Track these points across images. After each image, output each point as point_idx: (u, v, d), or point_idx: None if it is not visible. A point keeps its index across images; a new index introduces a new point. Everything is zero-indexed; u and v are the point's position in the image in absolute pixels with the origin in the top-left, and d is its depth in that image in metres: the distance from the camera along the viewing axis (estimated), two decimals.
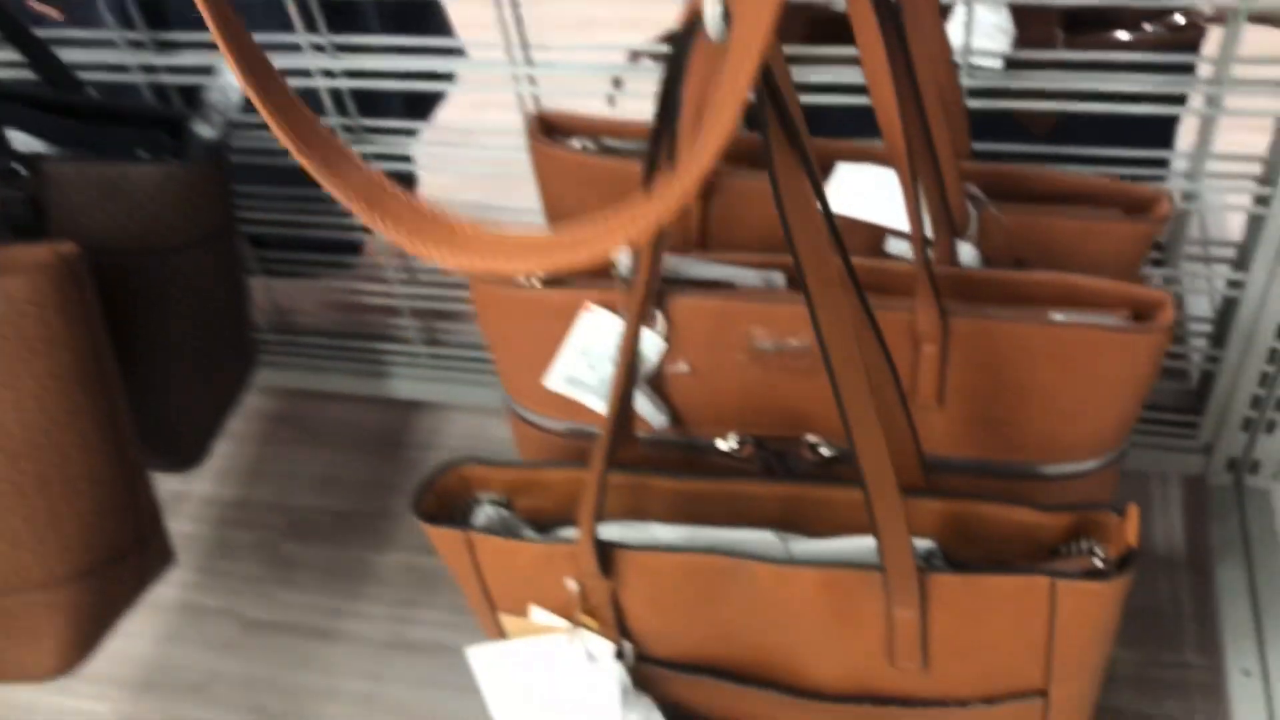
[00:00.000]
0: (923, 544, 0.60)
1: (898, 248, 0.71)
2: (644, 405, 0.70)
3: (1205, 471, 0.99)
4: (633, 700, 0.67)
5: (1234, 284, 0.85)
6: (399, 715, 1.08)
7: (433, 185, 1.27)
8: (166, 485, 1.32)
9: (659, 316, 0.68)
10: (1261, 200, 0.81)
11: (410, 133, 0.99)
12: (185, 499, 1.31)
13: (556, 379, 0.72)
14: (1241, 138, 0.90)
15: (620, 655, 0.66)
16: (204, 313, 0.86)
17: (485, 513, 0.68)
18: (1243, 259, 0.84)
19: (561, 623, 0.66)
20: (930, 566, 0.57)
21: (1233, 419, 0.94)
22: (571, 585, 0.64)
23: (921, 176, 0.63)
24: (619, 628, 0.65)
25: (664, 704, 0.70)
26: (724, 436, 0.72)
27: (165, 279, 0.81)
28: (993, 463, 0.68)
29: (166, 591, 1.22)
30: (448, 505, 0.68)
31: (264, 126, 0.85)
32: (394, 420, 1.35)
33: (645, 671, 0.68)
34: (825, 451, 0.69)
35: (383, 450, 1.32)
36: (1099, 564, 0.57)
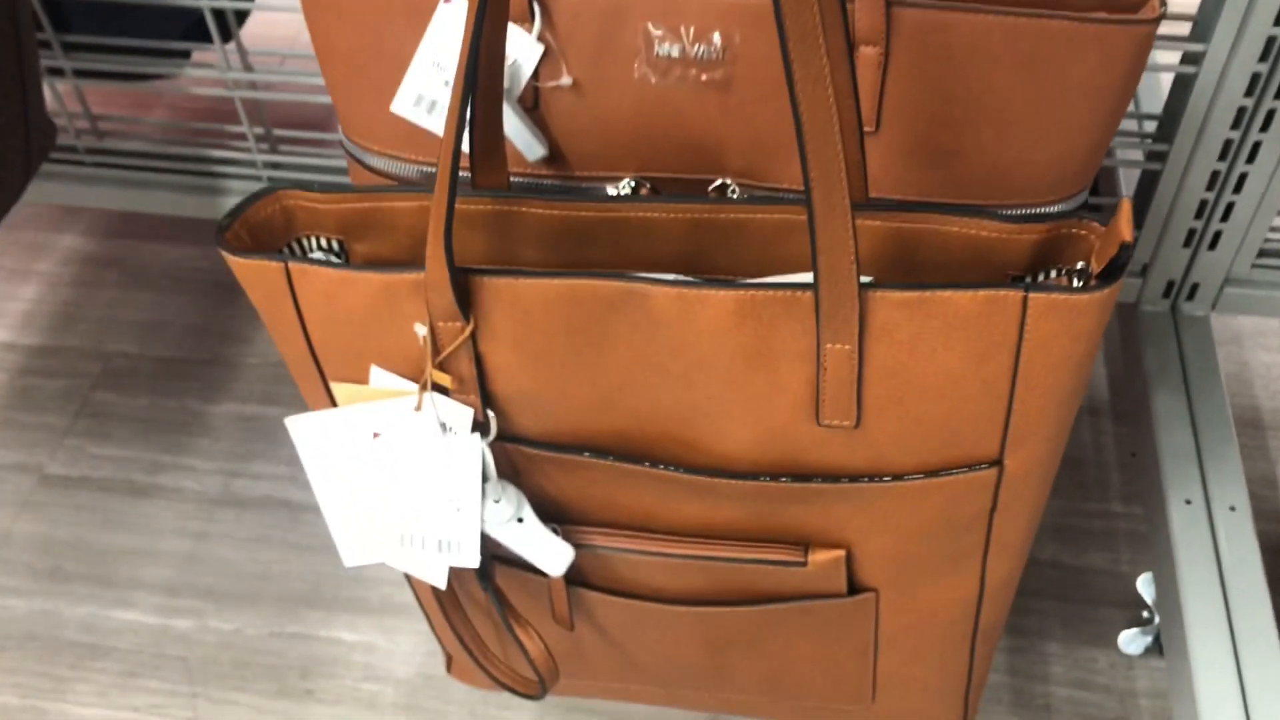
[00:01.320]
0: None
1: None
2: (514, 129, 0.57)
3: (1139, 297, 0.91)
4: (495, 487, 0.55)
5: (1188, 59, 0.76)
6: (224, 576, 0.94)
7: None
8: None
9: (535, 10, 0.55)
10: None
11: None
12: None
13: (404, 101, 0.58)
14: None
15: (482, 428, 0.54)
16: None
17: (313, 260, 0.54)
18: (1201, 29, 0.75)
19: (408, 386, 0.54)
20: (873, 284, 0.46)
21: (1174, 232, 0.85)
22: (420, 331, 0.51)
23: None
24: (481, 391, 0.53)
25: (531, 501, 0.58)
26: (615, 180, 0.59)
27: None
28: (934, 207, 0.57)
29: None
30: (263, 247, 0.54)
31: None
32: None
33: (510, 454, 0.56)
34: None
35: (216, 294, 1.16)
36: (1077, 279, 0.47)
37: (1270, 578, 0.76)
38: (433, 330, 0.51)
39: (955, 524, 0.56)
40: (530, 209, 0.53)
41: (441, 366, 0.52)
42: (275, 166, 0.97)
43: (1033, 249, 0.48)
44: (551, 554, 0.56)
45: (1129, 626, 0.88)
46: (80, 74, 0.94)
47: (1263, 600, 0.76)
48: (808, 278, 0.47)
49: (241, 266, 0.52)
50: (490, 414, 0.54)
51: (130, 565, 0.94)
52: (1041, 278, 0.49)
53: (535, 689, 0.63)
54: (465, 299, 0.50)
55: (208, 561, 0.94)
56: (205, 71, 0.92)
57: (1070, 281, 0.48)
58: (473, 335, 0.51)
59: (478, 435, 0.53)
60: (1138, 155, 0.85)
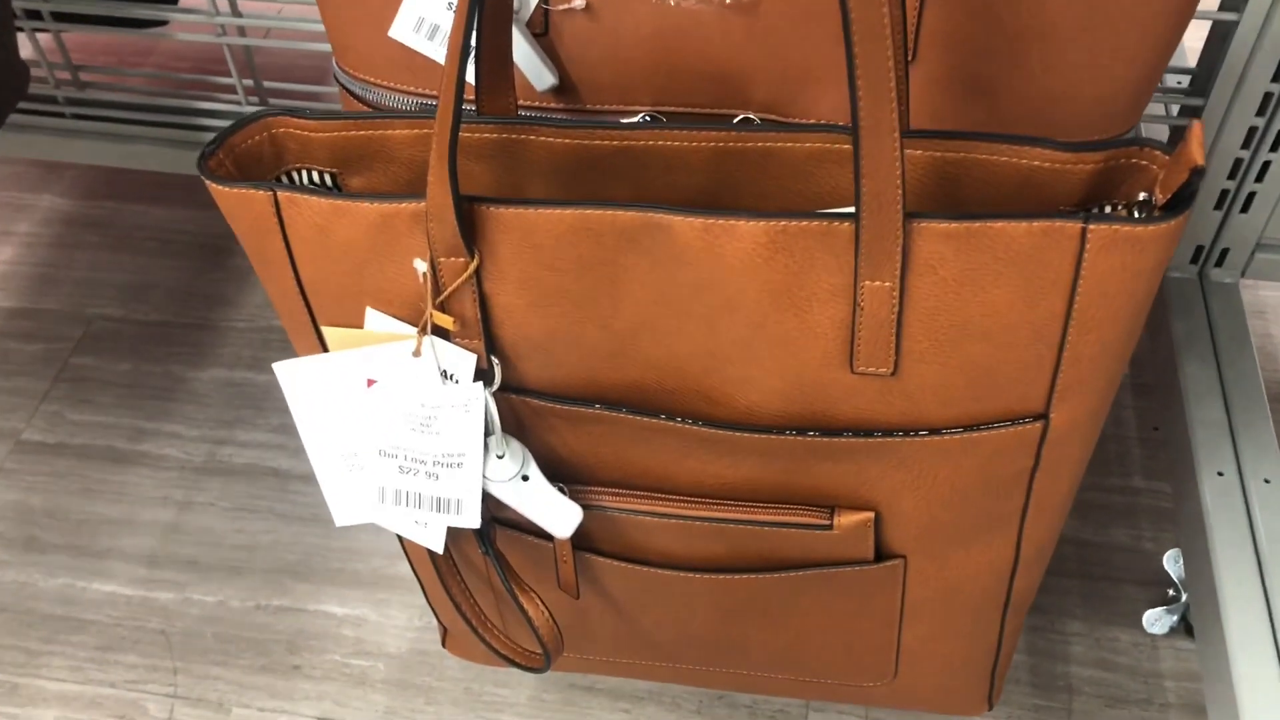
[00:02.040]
0: None
1: None
2: (522, 56, 0.53)
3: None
4: (499, 442, 0.51)
5: (1228, 4, 0.72)
6: (208, 546, 0.90)
7: None
8: None
9: None
10: None
11: None
12: None
13: (404, 26, 0.54)
14: None
15: (485, 377, 0.50)
16: None
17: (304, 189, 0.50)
18: None
19: (406, 330, 0.50)
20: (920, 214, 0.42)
21: (1206, 193, 0.82)
22: (420, 267, 0.47)
23: None
24: (486, 335, 0.49)
25: (537, 458, 0.54)
26: (630, 114, 0.55)
27: None
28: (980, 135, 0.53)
29: None
30: (250, 179, 0.50)
31: None
32: (218, 223, 1.15)
33: (515, 406, 0.52)
34: None
35: (202, 256, 1.12)
36: (1137, 213, 0.43)
37: None
38: (433, 266, 0.47)
39: (994, 484, 0.52)
40: (539, 137, 0.49)
41: (443, 307, 0.48)
42: None
43: (1088, 180, 0.45)
44: (559, 515, 0.52)
45: (1153, 605, 0.84)
46: (58, 17, 0.89)
47: None
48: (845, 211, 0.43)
49: (225, 195, 0.48)
50: (495, 361, 0.50)
51: (109, 535, 0.90)
52: (1099, 209, 0.45)
53: (538, 661, 0.59)
54: (470, 231, 0.46)
55: (191, 531, 0.90)
56: (192, 18, 0.87)
57: (1130, 215, 0.44)
58: (477, 272, 0.47)
59: (481, 384, 0.49)
60: (1167, 111, 0.82)
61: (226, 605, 0.86)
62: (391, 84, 0.57)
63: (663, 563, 0.59)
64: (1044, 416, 0.48)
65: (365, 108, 0.59)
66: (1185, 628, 0.82)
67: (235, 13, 0.86)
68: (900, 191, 0.40)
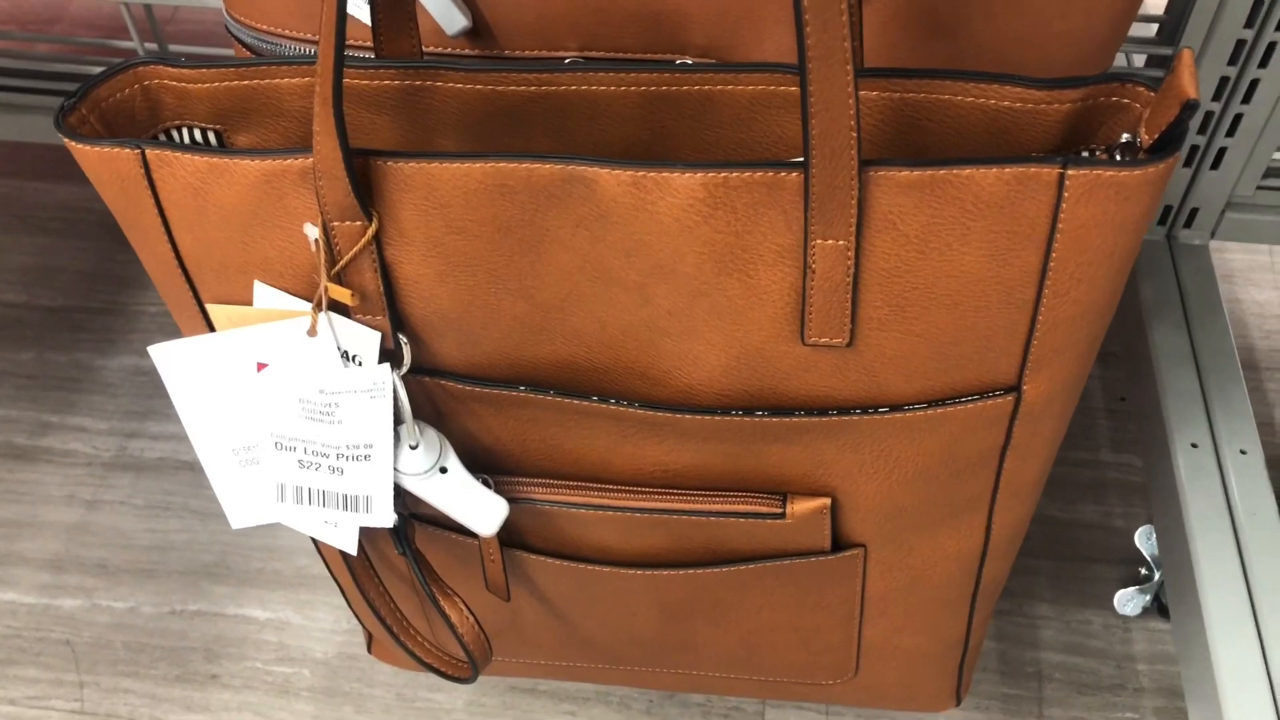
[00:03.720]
0: None
1: None
2: None
3: None
4: (412, 431, 0.46)
5: None
6: (118, 548, 0.84)
7: None
8: None
9: None
10: None
11: None
12: None
13: None
14: None
15: (393, 358, 0.44)
16: None
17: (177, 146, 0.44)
18: None
19: (300, 306, 0.44)
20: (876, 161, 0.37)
21: None
22: (311, 233, 0.41)
23: None
24: (390, 310, 0.43)
25: (457, 448, 0.49)
26: (554, 58, 0.50)
27: None
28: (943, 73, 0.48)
29: None
30: (121, 136, 0.44)
31: None
32: None
33: (431, 390, 0.47)
34: None
35: (111, 236, 1.05)
36: (1120, 154, 0.39)
37: None
38: (326, 232, 0.41)
39: (961, 464, 0.47)
40: (446, 83, 0.43)
41: (339, 279, 0.43)
42: None
43: (1064, 122, 0.40)
44: (482, 510, 0.47)
45: (1124, 585, 0.80)
46: None
47: None
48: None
49: (87, 155, 0.42)
50: (403, 340, 0.44)
51: (8, 538, 0.84)
52: (1076, 152, 0.41)
53: (465, 670, 0.54)
54: (366, 190, 0.40)
55: (99, 532, 0.84)
56: None
57: (1111, 159, 0.39)
58: (377, 238, 0.41)
59: (388, 366, 0.44)
60: (1137, 62, 0.77)
61: (138, 611, 0.80)
62: (288, 32, 0.51)
63: (600, 558, 0.54)
64: (1016, 389, 0.44)
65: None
66: (1158, 608, 0.79)
67: None
68: (855, 134, 0.35)
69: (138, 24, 0.83)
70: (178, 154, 0.41)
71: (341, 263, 0.42)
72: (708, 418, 0.45)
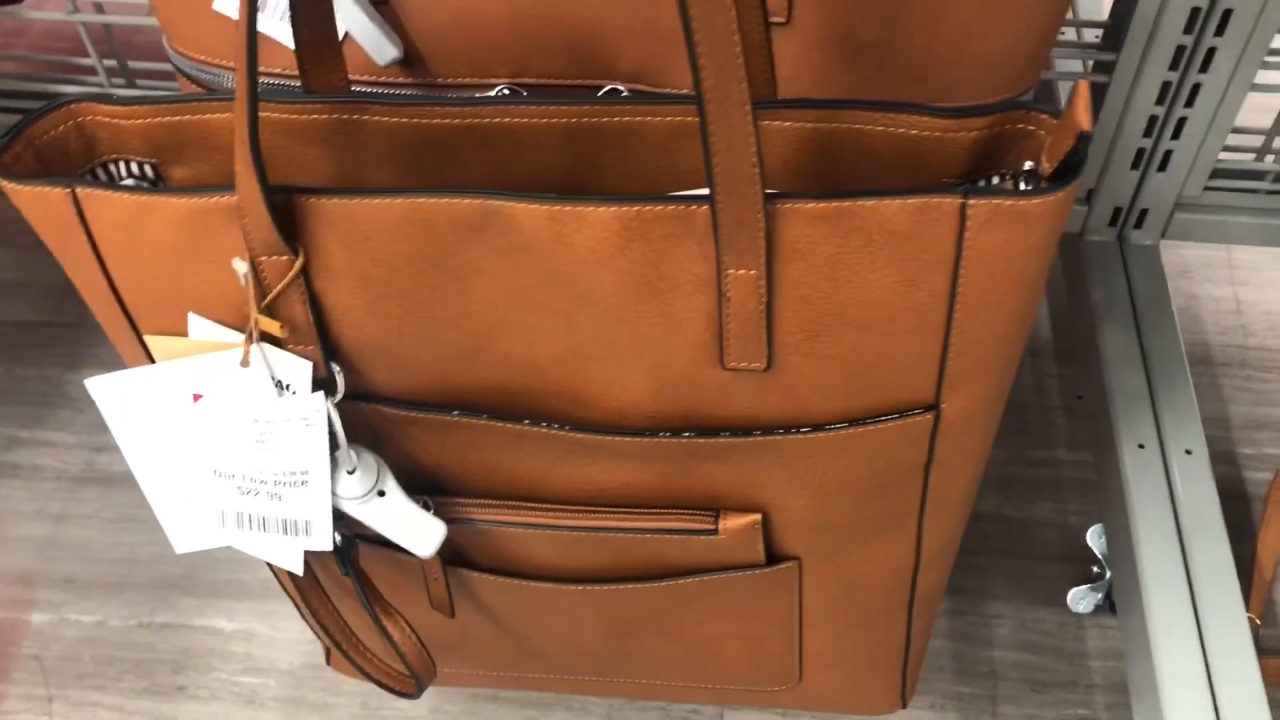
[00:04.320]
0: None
1: None
2: (359, 25, 0.48)
3: (1084, 226, 0.84)
4: (349, 456, 0.47)
5: None
6: (86, 562, 0.85)
7: None
8: None
9: None
10: None
11: None
12: None
13: None
14: None
15: (326, 386, 0.45)
16: None
17: (106, 185, 0.45)
18: None
19: (234, 337, 0.45)
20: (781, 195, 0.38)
21: (1122, 152, 0.79)
22: (240, 268, 0.42)
23: None
24: (321, 340, 0.44)
25: (397, 471, 0.50)
26: (485, 88, 0.51)
27: None
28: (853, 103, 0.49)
29: None
30: (58, 174, 0.45)
31: None
32: None
33: (367, 416, 0.48)
34: None
35: None
36: (1024, 184, 0.40)
37: (1229, 525, 0.70)
38: (254, 267, 0.42)
39: (886, 480, 0.48)
40: (374, 117, 0.44)
41: (270, 311, 0.43)
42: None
43: (972, 149, 0.41)
44: (419, 533, 0.48)
45: (1077, 583, 0.82)
46: None
47: (1222, 550, 0.70)
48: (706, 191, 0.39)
49: (20, 193, 0.42)
50: (335, 368, 0.45)
51: None
52: (985, 179, 0.42)
53: (410, 686, 0.55)
54: (290, 226, 0.41)
55: (68, 546, 0.85)
56: None
57: (1017, 186, 0.40)
58: (304, 271, 0.42)
59: (321, 394, 0.45)
60: (1080, 67, 0.78)
61: (106, 625, 0.81)
62: (226, 62, 0.52)
63: (542, 575, 0.55)
64: (935, 407, 0.45)
65: (201, 91, 0.54)
66: (1110, 605, 0.80)
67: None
68: (756, 169, 0.36)
69: (96, 44, 0.83)
70: (107, 193, 0.41)
71: (270, 296, 0.43)
72: (637, 439, 0.46)
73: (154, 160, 0.47)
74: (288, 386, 0.45)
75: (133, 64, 0.86)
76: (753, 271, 0.39)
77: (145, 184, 0.47)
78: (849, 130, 0.41)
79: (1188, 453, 0.74)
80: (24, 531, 0.86)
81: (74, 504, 0.87)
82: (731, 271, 0.39)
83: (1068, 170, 0.37)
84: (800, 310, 0.41)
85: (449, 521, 0.50)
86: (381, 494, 0.48)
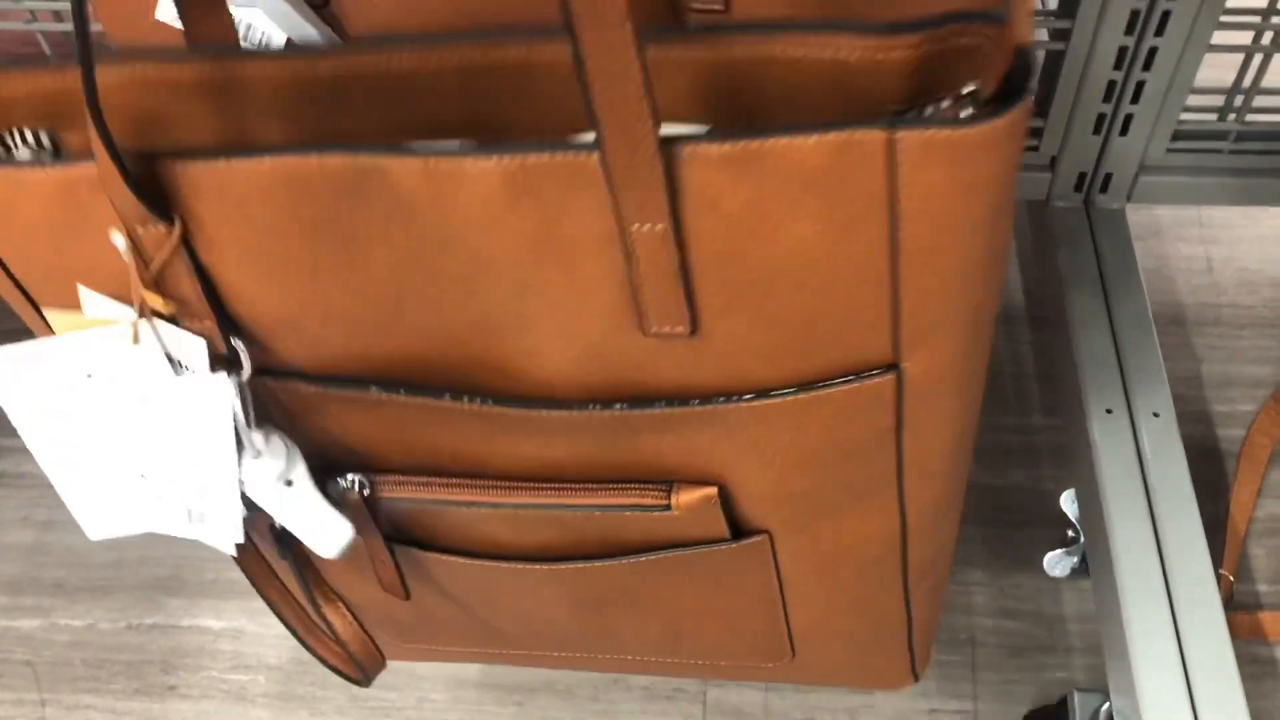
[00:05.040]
0: (683, 128, 0.32)
1: None
2: (298, 30, 0.40)
3: (1050, 193, 0.75)
4: (256, 439, 0.38)
5: None
6: (74, 567, 0.76)
7: None
8: None
9: None
10: None
11: None
12: None
13: (170, 8, 0.41)
14: None
15: (228, 363, 0.37)
16: None
17: (21, 157, 0.37)
18: None
19: (126, 312, 0.37)
20: (682, 138, 0.30)
21: (1083, 118, 0.69)
22: (119, 241, 0.34)
23: None
24: (219, 315, 0.36)
25: (310, 454, 0.42)
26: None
27: None
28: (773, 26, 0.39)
29: None
30: None
31: None
32: None
33: (278, 394, 0.39)
34: None
35: None
36: (966, 110, 0.31)
37: (1198, 484, 0.61)
38: (132, 238, 0.34)
39: (851, 447, 0.39)
40: (256, 71, 0.35)
41: (158, 286, 0.35)
42: None
43: (911, 74, 0.31)
44: (323, 531, 0.39)
45: (1053, 547, 0.72)
46: None
47: (1190, 512, 0.60)
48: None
49: None
50: (238, 345, 0.37)
51: None
52: (931, 111, 0.32)
53: (356, 672, 0.47)
54: (159, 194, 0.33)
55: (55, 552, 0.77)
56: (3, 4, 0.73)
57: (959, 114, 0.31)
58: (185, 242, 0.34)
59: (222, 373, 0.37)
60: (1038, 37, 0.68)
61: (95, 628, 0.73)
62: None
63: (494, 553, 0.46)
64: (894, 367, 0.36)
65: None
66: (1085, 568, 0.71)
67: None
68: (644, 103, 0.27)
69: (55, 48, 0.75)
70: None
71: (153, 268, 0.34)
72: (565, 413, 0.37)
73: (49, 128, 0.39)
74: (184, 365, 0.37)
75: None
76: (659, 226, 0.30)
77: (44, 153, 0.39)
78: (773, 57, 0.32)
79: (1155, 415, 0.64)
80: (11, 538, 0.78)
81: (60, 510, 0.79)
82: (635, 227, 0.31)
83: (1010, 93, 0.28)
84: (721, 268, 0.32)
85: (384, 500, 0.42)
86: (289, 483, 0.39)
